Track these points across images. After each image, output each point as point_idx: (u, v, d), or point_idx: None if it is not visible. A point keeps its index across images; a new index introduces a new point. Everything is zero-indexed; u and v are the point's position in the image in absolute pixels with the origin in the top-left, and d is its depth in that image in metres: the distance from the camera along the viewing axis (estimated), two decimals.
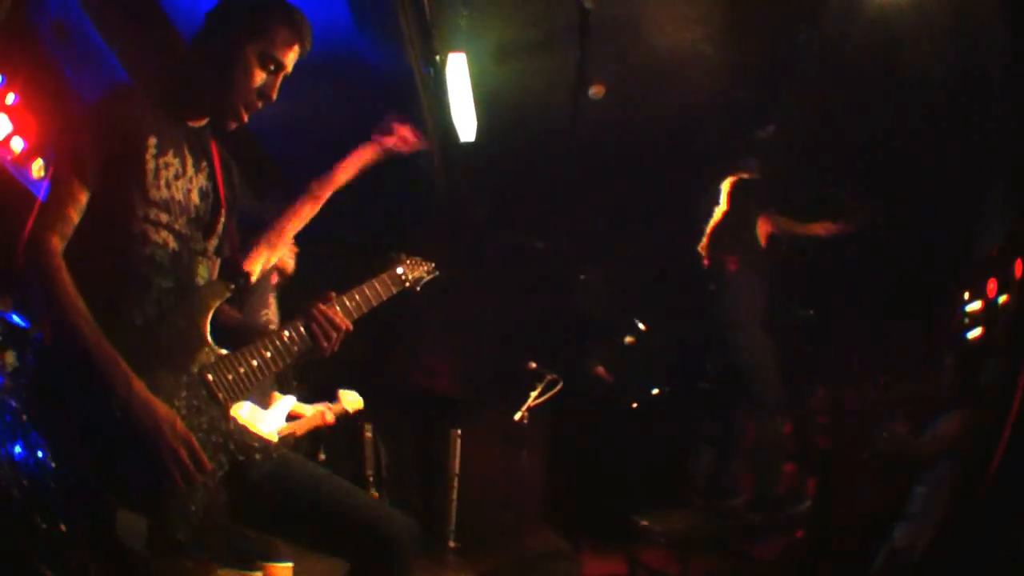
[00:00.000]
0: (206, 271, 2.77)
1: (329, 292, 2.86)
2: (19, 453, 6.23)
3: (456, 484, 7.28)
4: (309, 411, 5.72)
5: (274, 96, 2.73)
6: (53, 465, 6.11)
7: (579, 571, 6.75)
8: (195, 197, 2.70)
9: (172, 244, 2.59)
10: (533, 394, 6.56)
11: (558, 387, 6.59)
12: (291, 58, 2.74)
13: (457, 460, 7.29)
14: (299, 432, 5.62)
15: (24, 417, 6.31)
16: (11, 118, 7.21)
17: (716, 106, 6.58)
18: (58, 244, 2.36)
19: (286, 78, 2.75)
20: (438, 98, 6.37)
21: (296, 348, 2.74)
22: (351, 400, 5.95)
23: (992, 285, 5.26)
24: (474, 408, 6.87)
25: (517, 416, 6.46)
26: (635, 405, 7.73)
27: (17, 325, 6.98)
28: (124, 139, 2.49)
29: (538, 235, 8.22)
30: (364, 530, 2.62)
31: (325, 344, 2.77)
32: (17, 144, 7.40)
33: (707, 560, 6.44)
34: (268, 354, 2.69)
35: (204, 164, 2.77)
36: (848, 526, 5.58)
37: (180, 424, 2.33)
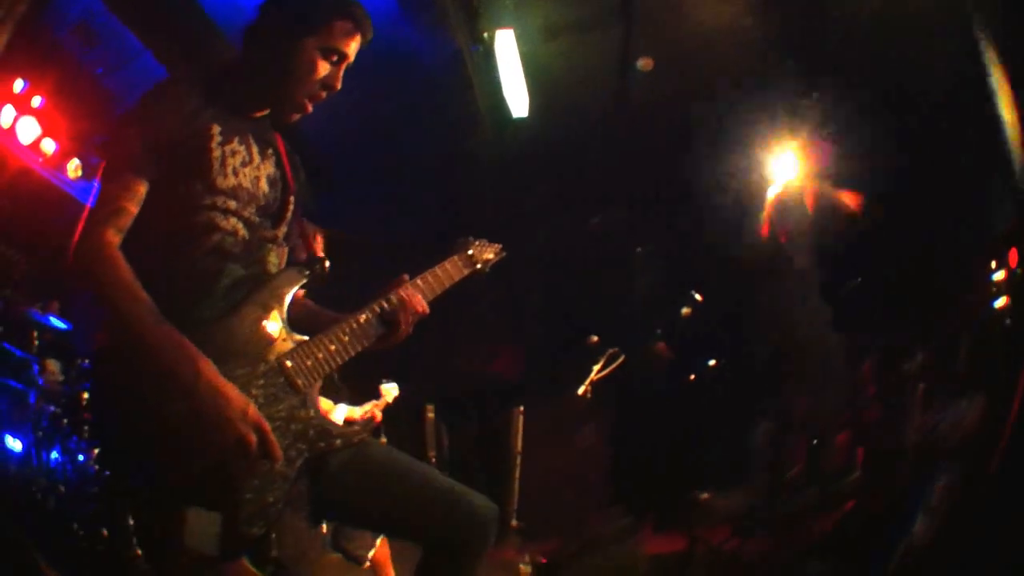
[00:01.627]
0: (276, 259, 2.71)
1: (403, 275, 2.84)
2: (56, 459, 6.16)
3: (519, 463, 7.26)
4: (359, 413, 5.72)
5: (338, 86, 2.68)
6: (95, 468, 6.08)
7: (642, 549, 6.73)
8: (263, 185, 2.66)
9: (242, 232, 2.55)
10: (596, 367, 6.52)
11: (620, 360, 6.56)
12: (353, 48, 2.70)
13: (519, 439, 7.27)
14: None
15: (64, 422, 6.28)
16: (40, 121, 7.17)
17: (758, 78, 6.61)
18: (113, 236, 2.31)
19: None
20: (488, 75, 6.35)
21: (373, 332, 2.71)
22: (390, 390, 5.95)
23: (1014, 255, 5.35)
24: (536, 386, 6.85)
25: (580, 390, 6.41)
26: (692, 378, 7.72)
27: (57, 328, 6.92)
28: (185, 127, 2.44)
29: (591, 211, 8.21)
30: (449, 511, 2.59)
31: (403, 327, 2.75)
32: (48, 146, 7.35)
33: (765, 534, 6.47)
34: (346, 339, 2.65)
35: (270, 152, 2.74)
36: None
37: (254, 410, 2.25)
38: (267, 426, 2.26)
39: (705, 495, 6.41)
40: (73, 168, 7.78)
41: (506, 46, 6.23)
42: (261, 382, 2.41)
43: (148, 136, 2.39)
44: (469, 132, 7.06)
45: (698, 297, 7.21)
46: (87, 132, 7.75)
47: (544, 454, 7.45)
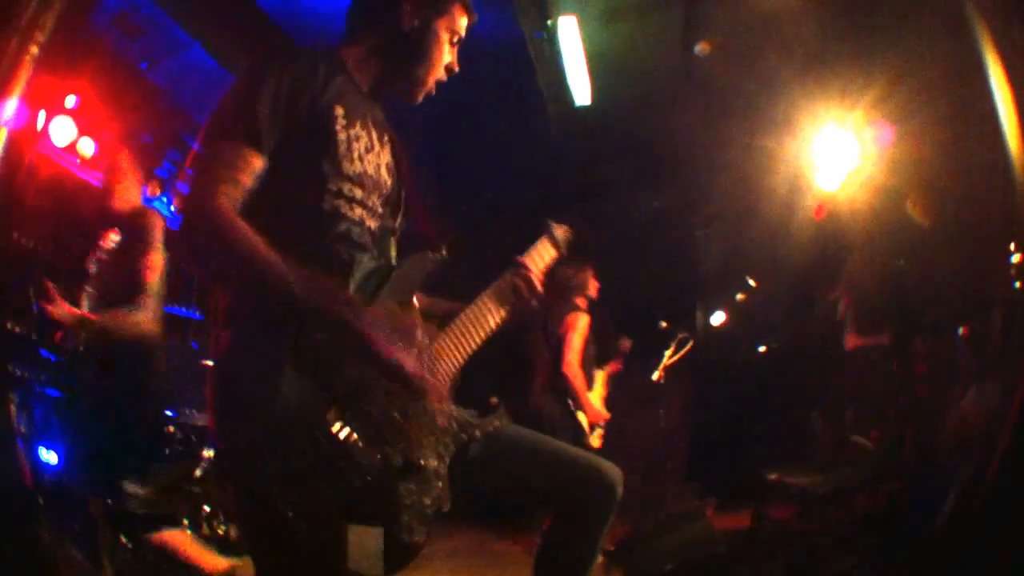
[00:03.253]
0: (395, 250, 2.61)
1: (518, 258, 2.83)
2: (45, 455, 5.99)
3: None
4: None
5: (457, 68, 2.72)
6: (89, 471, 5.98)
7: (714, 529, 6.77)
8: (384, 172, 2.55)
9: (369, 221, 2.44)
10: (667, 353, 6.56)
11: (690, 345, 6.60)
12: (466, 29, 2.74)
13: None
14: None
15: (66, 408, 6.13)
16: (76, 121, 6.94)
17: (812, 57, 6.62)
18: (227, 201, 2.08)
19: None
20: (551, 62, 6.32)
21: (497, 318, 2.70)
22: None
23: None
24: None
25: (655, 376, 6.45)
26: (753, 356, 7.79)
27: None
28: (309, 105, 2.28)
29: (653, 194, 8.21)
30: (583, 476, 2.62)
31: (530, 307, 2.76)
32: (87, 147, 7.12)
33: (830, 512, 6.55)
34: (473, 327, 2.64)
35: (386, 139, 2.63)
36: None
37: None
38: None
39: (774, 475, 6.45)
40: None
41: (569, 33, 6.21)
42: None
43: (276, 102, 2.22)
44: (531, 118, 7.02)
45: (753, 283, 7.26)
46: (131, 131, 7.57)
47: (613, 438, 7.46)
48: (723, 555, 5.87)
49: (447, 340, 2.55)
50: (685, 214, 8.32)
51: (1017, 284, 3.34)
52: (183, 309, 9.10)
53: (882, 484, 6.52)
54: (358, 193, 2.40)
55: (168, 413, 6.82)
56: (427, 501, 2.25)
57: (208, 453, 6.28)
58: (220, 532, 6.02)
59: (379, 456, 2.15)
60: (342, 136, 2.35)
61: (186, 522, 5.91)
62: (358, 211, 2.40)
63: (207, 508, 6.03)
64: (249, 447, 2.09)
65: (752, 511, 6.67)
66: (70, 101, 6.87)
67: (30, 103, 2.76)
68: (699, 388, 7.87)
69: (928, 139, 5.92)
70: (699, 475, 7.66)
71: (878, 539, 6.17)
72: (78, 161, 7.20)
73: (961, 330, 6.16)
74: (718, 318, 8.12)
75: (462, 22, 2.68)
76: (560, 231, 3.05)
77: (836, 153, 6.59)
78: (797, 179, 6.89)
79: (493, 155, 7.33)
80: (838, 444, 6.97)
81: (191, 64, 6.70)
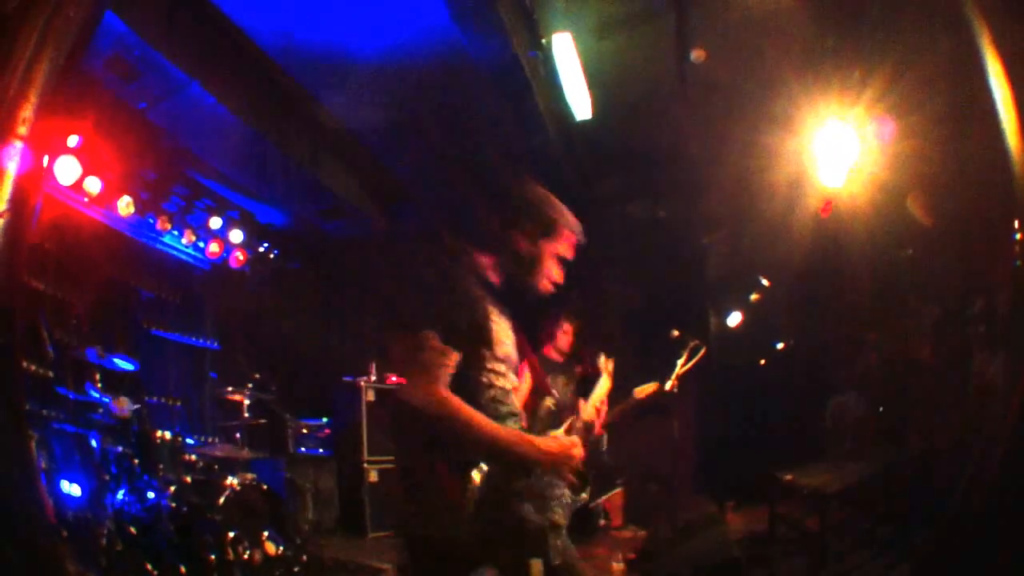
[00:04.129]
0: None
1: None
2: (122, 500, 6.08)
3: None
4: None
5: (561, 282, 3.31)
6: (171, 505, 6.04)
7: (730, 533, 6.78)
8: (514, 349, 3.27)
9: (507, 384, 3.20)
10: (680, 362, 6.56)
11: (702, 352, 6.60)
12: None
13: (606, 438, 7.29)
14: None
15: (135, 461, 6.20)
16: (80, 160, 6.99)
17: (810, 55, 6.63)
18: (446, 390, 2.91)
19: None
20: (549, 81, 6.37)
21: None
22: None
23: None
24: (618, 384, 6.87)
25: (668, 386, 6.45)
26: (763, 362, 7.79)
27: (123, 369, 6.83)
28: (476, 309, 3.06)
29: (657, 204, 8.23)
30: None
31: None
32: (93, 185, 7.18)
33: (846, 511, 6.57)
34: None
35: (508, 318, 3.30)
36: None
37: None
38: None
39: (788, 476, 6.46)
40: (124, 205, 7.66)
41: (564, 50, 6.25)
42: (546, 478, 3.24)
43: (457, 313, 3.01)
44: (532, 136, 7.06)
45: (766, 283, 7.27)
46: (136, 167, 7.64)
47: (628, 448, 7.48)
48: (740, 559, 5.89)
49: None
50: (690, 221, 8.32)
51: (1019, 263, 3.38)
52: (202, 340, 9.19)
53: (893, 478, 6.54)
54: (502, 368, 3.18)
55: (189, 441, 6.89)
56: (559, 543, 3.15)
57: (231, 481, 6.35)
58: (244, 557, 6.09)
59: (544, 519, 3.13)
60: (496, 327, 3.14)
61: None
62: (503, 381, 3.18)
63: (231, 534, 6.10)
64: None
65: (768, 513, 6.69)
66: (73, 141, 6.93)
67: (33, 143, 2.86)
68: (714, 393, 7.86)
69: (929, 134, 5.94)
70: (714, 479, 7.65)
71: (891, 532, 6.19)
72: (85, 200, 7.27)
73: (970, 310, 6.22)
74: (734, 319, 8.12)
75: (568, 245, 3.31)
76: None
77: (838, 149, 6.60)
78: (799, 177, 6.90)
79: (491, 173, 7.36)
80: (850, 440, 6.98)
81: (190, 103, 6.74)
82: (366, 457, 8.78)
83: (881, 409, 7.07)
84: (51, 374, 6.50)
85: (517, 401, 3.34)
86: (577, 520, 4.37)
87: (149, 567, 5.77)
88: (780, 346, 7.74)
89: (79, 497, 5.93)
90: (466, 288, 3.09)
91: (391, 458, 3.31)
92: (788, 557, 6.46)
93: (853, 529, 6.64)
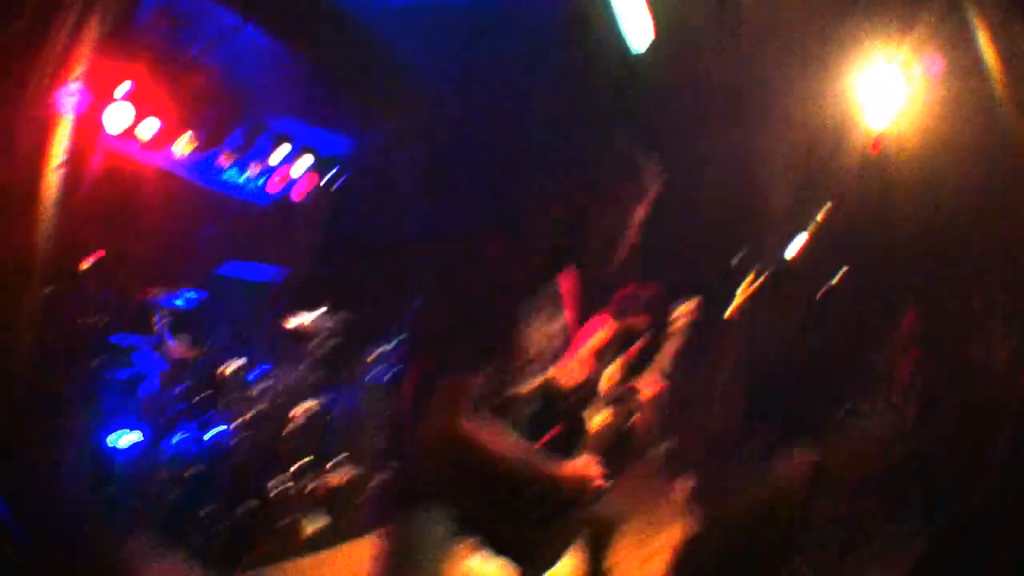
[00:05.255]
0: None
1: None
2: (181, 440, 6.13)
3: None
4: None
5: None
6: (233, 443, 6.14)
7: (784, 471, 6.76)
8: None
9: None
10: (740, 289, 6.48)
11: (763, 278, 6.51)
12: None
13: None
14: None
15: (196, 398, 6.30)
16: (134, 104, 7.02)
17: None
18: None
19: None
20: (605, 12, 6.25)
21: None
22: None
23: None
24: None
25: (727, 314, 6.39)
26: (820, 295, 7.69)
27: (182, 308, 6.98)
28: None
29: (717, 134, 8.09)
30: None
31: None
32: (148, 129, 7.22)
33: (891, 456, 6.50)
34: None
35: None
36: None
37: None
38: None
39: (840, 415, 6.42)
40: (180, 147, 7.73)
41: None
42: None
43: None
44: (587, 72, 6.98)
45: (825, 210, 7.14)
46: (191, 110, 7.67)
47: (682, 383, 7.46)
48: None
49: None
50: (747, 150, 8.16)
51: None
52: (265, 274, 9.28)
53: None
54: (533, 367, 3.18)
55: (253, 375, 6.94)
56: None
57: (298, 411, 6.46)
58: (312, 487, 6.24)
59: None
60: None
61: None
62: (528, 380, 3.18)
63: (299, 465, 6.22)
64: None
65: (816, 457, 6.63)
66: (126, 87, 6.95)
67: (87, 92, 2.92)
68: (771, 325, 7.78)
69: (977, 75, 5.78)
70: (767, 415, 7.60)
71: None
72: (138, 145, 7.32)
73: None
74: (794, 248, 7.99)
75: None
76: None
77: (884, 90, 6.45)
78: (847, 115, 6.75)
79: (554, 114, 7.30)
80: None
81: (250, 43, 6.75)
82: None
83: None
84: (112, 320, 6.61)
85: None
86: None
87: (211, 509, 5.85)
88: (835, 280, 7.59)
89: (140, 442, 6.07)
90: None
91: None
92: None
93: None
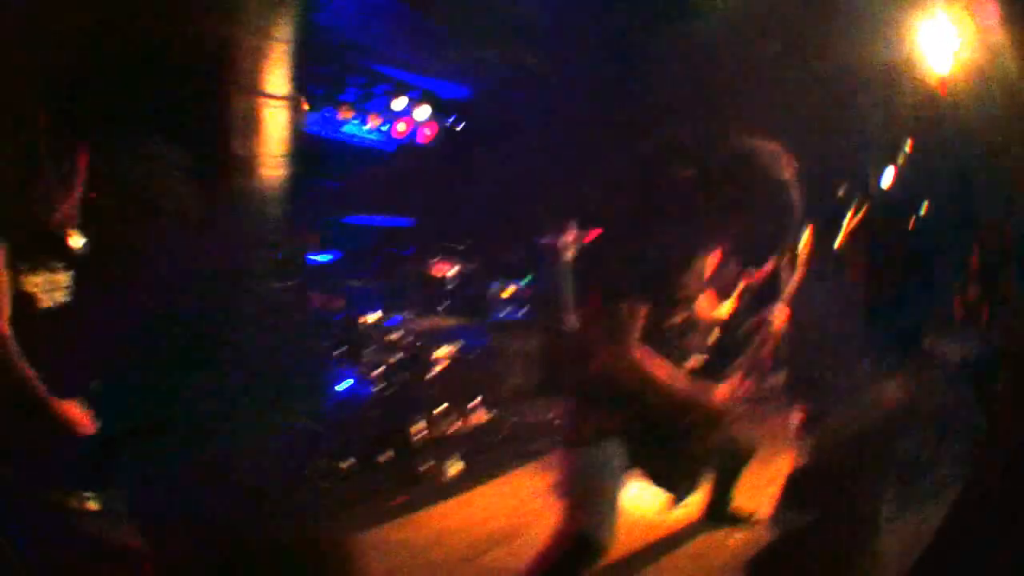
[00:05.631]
0: None
1: None
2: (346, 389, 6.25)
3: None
4: None
5: None
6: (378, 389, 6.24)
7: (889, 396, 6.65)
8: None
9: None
10: (847, 217, 6.37)
11: (867, 206, 6.39)
12: None
13: None
14: None
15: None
16: None
17: None
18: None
19: None
20: None
21: None
22: None
23: None
24: None
25: (836, 244, 6.30)
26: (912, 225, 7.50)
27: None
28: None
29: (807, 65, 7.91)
30: None
31: None
32: None
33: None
34: None
35: None
36: None
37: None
38: None
39: (929, 340, 6.26)
40: None
41: None
42: None
43: None
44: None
45: (907, 148, 6.92)
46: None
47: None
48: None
49: None
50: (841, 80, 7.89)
51: None
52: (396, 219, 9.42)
53: None
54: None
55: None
56: None
57: (437, 355, 6.67)
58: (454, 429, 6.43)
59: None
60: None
61: None
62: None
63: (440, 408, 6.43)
64: None
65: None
66: None
67: None
68: (869, 253, 7.58)
69: None
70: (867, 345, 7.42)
71: None
72: None
73: None
74: (887, 179, 7.77)
75: None
76: None
77: (944, 35, 6.17)
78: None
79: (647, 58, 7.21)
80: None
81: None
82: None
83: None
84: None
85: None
86: None
87: (351, 459, 5.95)
88: (923, 211, 7.36)
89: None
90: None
91: None
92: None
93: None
